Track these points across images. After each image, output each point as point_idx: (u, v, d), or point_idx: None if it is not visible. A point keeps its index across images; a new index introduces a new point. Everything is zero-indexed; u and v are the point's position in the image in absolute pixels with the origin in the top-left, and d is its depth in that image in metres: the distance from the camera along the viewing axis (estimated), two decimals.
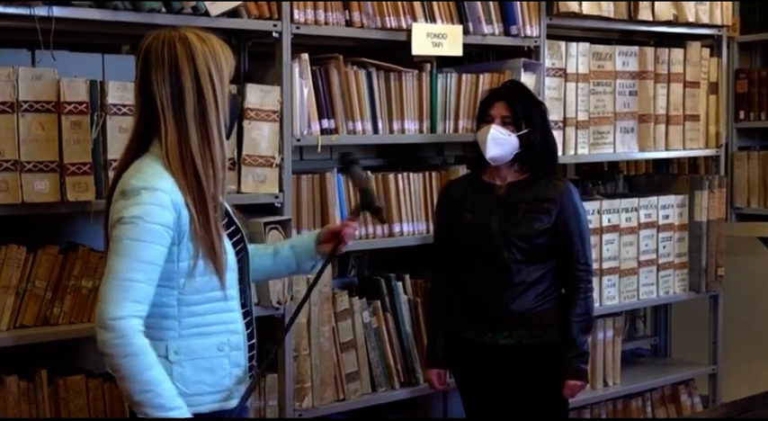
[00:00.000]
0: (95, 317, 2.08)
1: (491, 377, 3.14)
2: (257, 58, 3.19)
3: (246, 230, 2.40)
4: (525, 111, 3.09)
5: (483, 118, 3.14)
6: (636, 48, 3.92)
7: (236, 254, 2.26)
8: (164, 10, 2.74)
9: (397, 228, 3.32)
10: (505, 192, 3.10)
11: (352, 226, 2.45)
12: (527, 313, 3.06)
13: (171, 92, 2.14)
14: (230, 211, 2.32)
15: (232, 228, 2.29)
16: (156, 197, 2.09)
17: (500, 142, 3.07)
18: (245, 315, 2.30)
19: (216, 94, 2.17)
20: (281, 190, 3.02)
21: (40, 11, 2.54)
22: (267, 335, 2.58)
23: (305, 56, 3.06)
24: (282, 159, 3.01)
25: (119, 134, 2.67)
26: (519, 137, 3.07)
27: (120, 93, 2.68)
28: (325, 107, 3.12)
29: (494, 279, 3.07)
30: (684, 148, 4.11)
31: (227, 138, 2.25)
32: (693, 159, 4.70)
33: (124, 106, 2.68)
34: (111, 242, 2.11)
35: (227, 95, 2.22)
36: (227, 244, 2.23)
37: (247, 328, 2.29)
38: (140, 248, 2.07)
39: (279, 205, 3.03)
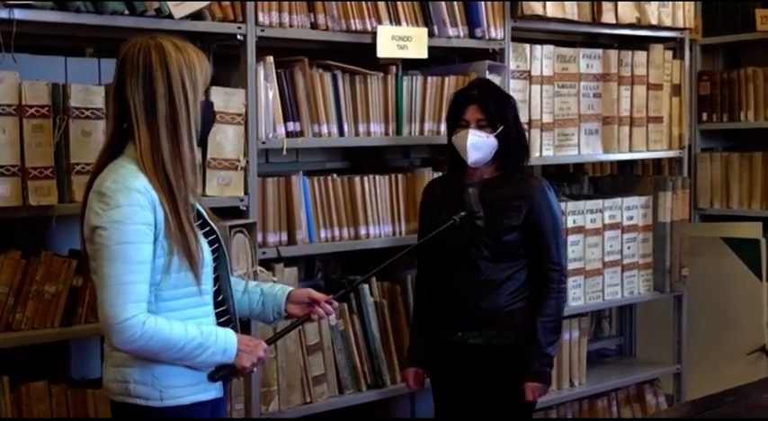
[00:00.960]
0: (102, 324, 2.15)
1: (462, 377, 3.13)
2: (222, 61, 3.18)
3: (222, 232, 2.42)
4: (498, 111, 3.08)
5: (457, 122, 3.11)
6: (600, 50, 3.95)
7: (213, 252, 2.32)
8: (126, 12, 2.71)
9: (363, 231, 3.32)
10: (479, 191, 3.06)
11: (328, 309, 2.49)
12: (497, 312, 3.04)
13: (144, 97, 2.20)
14: (204, 213, 2.36)
15: (207, 229, 2.33)
16: (133, 198, 2.14)
17: (479, 146, 3.05)
18: (225, 313, 2.35)
19: (188, 102, 2.21)
20: (246, 193, 3.01)
21: (1, 13, 2.51)
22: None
23: (270, 58, 3.05)
24: (248, 162, 3.00)
25: (81, 137, 2.65)
26: (496, 136, 3.06)
27: (83, 96, 2.67)
28: (290, 110, 3.12)
29: (463, 277, 3.06)
30: (648, 150, 4.14)
31: (200, 144, 2.30)
32: (657, 161, 4.74)
33: (87, 109, 2.67)
34: (96, 249, 2.15)
35: (200, 103, 2.25)
36: (203, 241, 2.27)
37: (228, 324, 2.35)
38: (129, 251, 2.12)
39: (244, 208, 3.02)
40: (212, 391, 2.29)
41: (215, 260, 2.33)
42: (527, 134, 3.66)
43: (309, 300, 2.50)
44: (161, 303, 2.21)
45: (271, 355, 3.08)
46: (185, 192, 2.21)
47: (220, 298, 2.37)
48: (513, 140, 3.09)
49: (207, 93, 2.37)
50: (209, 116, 2.36)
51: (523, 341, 3.05)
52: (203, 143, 2.42)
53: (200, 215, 2.33)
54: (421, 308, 3.22)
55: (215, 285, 2.34)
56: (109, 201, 2.14)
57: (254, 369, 2.34)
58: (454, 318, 3.09)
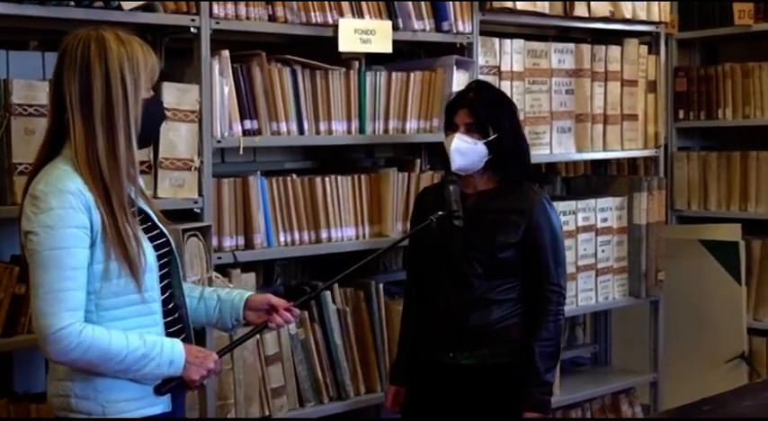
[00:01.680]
0: (37, 334, 2.14)
1: (453, 400, 3.05)
2: (174, 55, 3.17)
3: (173, 235, 2.43)
4: (490, 116, 3.01)
5: (449, 126, 3.08)
6: (572, 45, 3.98)
7: (162, 257, 2.31)
8: (72, 3, 2.70)
9: (324, 234, 3.32)
10: (473, 202, 3.03)
11: (288, 317, 2.49)
12: (487, 329, 2.99)
13: (80, 92, 2.18)
14: (153, 216, 2.35)
15: (155, 232, 2.32)
16: (65, 200, 2.12)
17: (465, 151, 3.00)
18: (177, 321, 2.35)
19: (127, 98, 2.20)
20: (200, 195, 3.01)
21: None
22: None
23: (225, 53, 3.05)
24: (202, 162, 3.00)
25: (24, 136, 2.63)
26: (487, 143, 3.00)
27: (26, 92, 2.65)
28: (247, 107, 3.11)
29: (454, 294, 3.01)
30: (623, 149, 4.18)
31: (149, 144, 2.28)
32: (632, 160, 4.80)
33: (30, 106, 2.65)
34: (28, 255, 2.14)
35: (142, 100, 2.24)
36: (146, 245, 2.25)
37: (181, 334, 2.34)
38: (63, 256, 2.11)
39: (198, 211, 3.01)
40: (160, 406, 2.27)
41: (165, 266, 2.32)
42: None
43: (268, 307, 2.49)
44: (102, 312, 2.19)
45: (227, 367, 3.07)
46: (121, 194, 2.20)
47: (172, 305, 2.36)
48: (507, 149, 3.02)
49: (157, 88, 2.36)
50: (156, 113, 2.34)
51: (518, 359, 3.00)
52: (151, 142, 2.40)
53: (148, 218, 2.33)
54: (410, 323, 3.18)
55: (166, 292, 2.33)
56: (41, 204, 2.12)
57: (204, 382, 2.33)
58: (445, 338, 3.04)
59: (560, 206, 3.91)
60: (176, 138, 2.94)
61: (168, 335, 2.31)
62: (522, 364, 3.00)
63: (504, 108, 3.08)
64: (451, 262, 3.02)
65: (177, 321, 2.36)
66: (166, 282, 2.35)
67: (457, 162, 3.01)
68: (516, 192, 3.05)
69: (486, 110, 3.03)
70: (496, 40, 3.72)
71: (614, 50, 4.11)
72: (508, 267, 3.02)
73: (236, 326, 2.53)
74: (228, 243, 3.12)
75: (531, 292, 3.04)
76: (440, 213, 2.78)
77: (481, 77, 3.63)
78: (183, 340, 2.32)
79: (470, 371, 3.02)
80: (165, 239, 2.35)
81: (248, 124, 3.13)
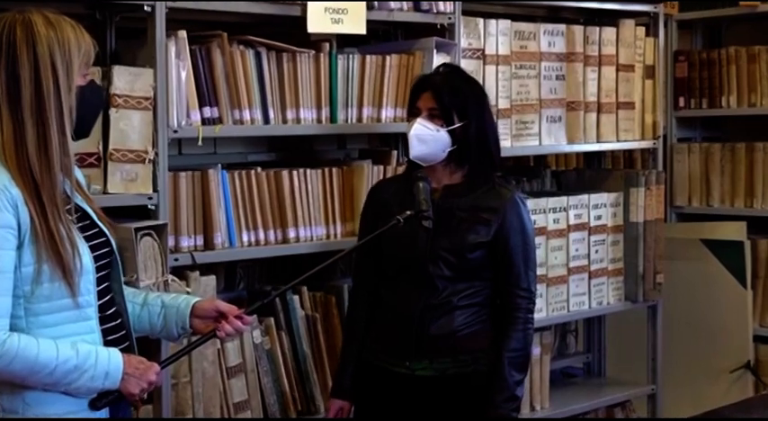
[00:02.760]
0: None
1: (405, 414, 3.05)
2: (126, 36, 3.16)
3: (114, 235, 2.41)
4: (455, 101, 3.02)
5: (411, 110, 3.10)
6: (563, 26, 3.99)
7: (100, 258, 2.30)
8: None
9: (292, 234, 3.31)
10: (440, 197, 3.03)
11: (238, 325, 2.47)
12: (450, 337, 2.99)
13: (6, 83, 2.18)
14: (93, 214, 2.34)
15: (93, 231, 2.32)
16: None
17: (425, 139, 3.00)
18: (119, 328, 2.34)
19: (59, 86, 2.20)
20: (155, 190, 2.99)
21: None
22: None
23: (182, 33, 3.03)
24: (157, 154, 2.98)
25: None
26: (450, 131, 3.01)
27: None
28: (206, 93, 3.10)
29: (416, 297, 3.01)
30: (618, 140, 4.20)
31: (87, 135, 2.30)
32: (629, 152, 4.82)
33: None
34: None
35: (76, 88, 2.23)
36: (82, 245, 2.25)
37: (123, 342, 2.33)
38: None
39: (153, 208, 3.00)
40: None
41: (105, 268, 2.32)
42: None
43: (217, 314, 2.49)
44: (32, 318, 2.18)
45: (184, 379, 3.06)
46: (53, 190, 2.19)
47: (112, 311, 2.35)
48: (473, 139, 3.02)
49: (109, 74, 2.34)
50: (93, 101, 2.33)
51: (484, 369, 3.01)
52: (89, 133, 2.38)
53: (86, 215, 2.32)
54: (356, 329, 3.18)
55: (105, 297, 2.32)
56: None
57: (145, 396, 2.32)
58: (401, 346, 3.03)
59: (550, 202, 3.93)
60: (128, 128, 2.92)
61: (107, 343, 2.30)
62: (486, 375, 3.01)
63: (471, 94, 3.08)
64: (415, 262, 3.02)
65: (118, 328, 2.35)
66: (105, 285, 2.34)
67: (415, 149, 3.02)
68: (487, 188, 3.06)
69: (452, 95, 3.03)
70: (480, 21, 3.72)
71: (609, 32, 4.13)
72: (476, 269, 3.03)
73: (183, 335, 2.53)
74: (186, 243, 3.10)
75: (497, 297, 3.06)
76: (408, 213, 2.78)
77: (464, 61, 3.64)
78: (124, 349, 2.31)
79: (427, 383, 3.02)
80: (104, 239, 2.34)
81: (208, 112, 3.11)
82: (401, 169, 3.52)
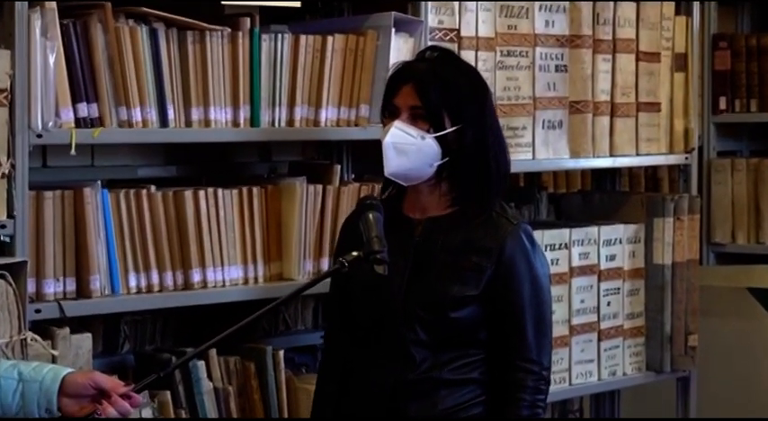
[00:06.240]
0: None
1: None
2: None
3: None
4: (447, 98, 3.00)
5: (387, 108, 3.07)
6: (566, 2, 4.02)
7: None
8: None
9: (197, 277, 3.31)
10: (421, 234, 3.03)
11: (124, 406, 2.49)
12: None
13: None
14: None
15: None
16: None
17: (405, 149, 2.98)
18: None
19: None
20: (10, 216, 2.98)
21: None
22: None
23: (51, 4, 3.03)
24: (13, 166, 2.97)
25: None
26: (440, 139, 2.99)
27: None
28: (83, 84, 3.10)
29: (389, 368, 3.01)
30: (638, 154, 4.24)
31: None
32: (652, 170, 4.85)
33: None
34: None
35: None
36: None
37: None
38: None
39: (7, 240, 2.99)
40: None
41: None
42: None
43: (95, 391, 2.49)
44: None
45: None
46: None
47: None
48: (470, 151, 3.01)
49: None
50: None
51: None
52: None
53: None
54: (321, 406, 3.18)
55: None
56: None
57: None
58: None
59: (546, 236, 3.94)
60: None
61: None
62: None
63: (469, 89, 3.08)
64: (384, 323, 3.02)
65: None
66: None
67: (392, 163, 3.00)
68: (482, 219, 3.04)
69: (442, 89, 3.01)
70: None
71: (627, 9, 4.17)
72: (465, 332, 3.01)
73: (48, 418, 2.51)
74: (52, 288, 3.09)
75: (497, 371, 3.04)
76: (354, 254, 2.76)
77: (432, 44, 3.63)
78: None
79: None
80: None
81: (84, 110, 3.11)
82: (347, 190, 3.52)
